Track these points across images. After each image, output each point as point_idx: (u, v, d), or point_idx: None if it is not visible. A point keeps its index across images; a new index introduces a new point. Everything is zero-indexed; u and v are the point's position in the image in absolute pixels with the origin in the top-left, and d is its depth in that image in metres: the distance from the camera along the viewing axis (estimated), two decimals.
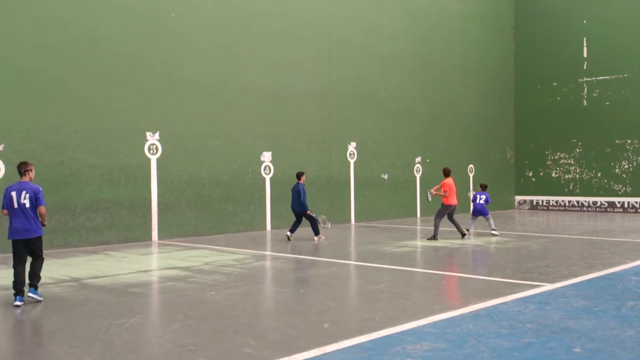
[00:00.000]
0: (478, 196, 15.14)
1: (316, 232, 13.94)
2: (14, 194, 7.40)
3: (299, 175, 14.03)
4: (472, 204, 15.47)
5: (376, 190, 20.18)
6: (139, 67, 14.15)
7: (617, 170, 23.90)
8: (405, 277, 9.29)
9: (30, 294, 7.35)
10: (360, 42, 19.60)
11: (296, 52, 17.64)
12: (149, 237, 14.24)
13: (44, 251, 7.80)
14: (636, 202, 23.34)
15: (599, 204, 24.31)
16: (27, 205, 7.39)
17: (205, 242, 13.94)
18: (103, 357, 5.13)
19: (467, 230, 14.99)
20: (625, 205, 23.60)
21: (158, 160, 14.45)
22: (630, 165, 23.55)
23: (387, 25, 20.65)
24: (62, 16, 12.96)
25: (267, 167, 16.86)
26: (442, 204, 14.29)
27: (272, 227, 16.85)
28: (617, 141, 23.85)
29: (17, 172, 7.67)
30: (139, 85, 14.15)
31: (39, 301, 7.36)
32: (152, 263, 10.97)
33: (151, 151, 14.34)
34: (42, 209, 7.49)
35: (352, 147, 19.32)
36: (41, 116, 12.62)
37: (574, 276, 8.95)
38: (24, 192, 7.40)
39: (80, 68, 13.20)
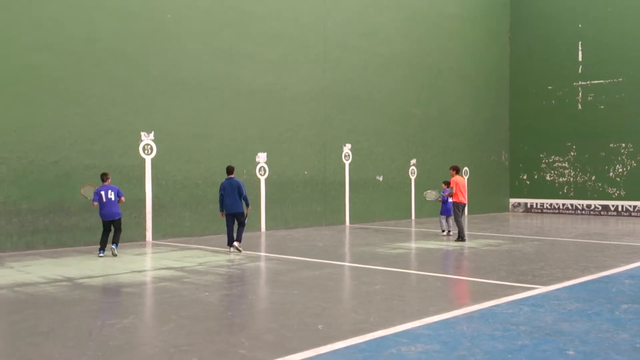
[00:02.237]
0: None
1: (240, 238, 12.19)
2: (102, 192, 11.53)
3: (231, 170, 12.25)
4: (442, 204, 15.63)
5: (371, 192, 20.20)
6: (134, 68, 14.12)
7: (611, 173, 24.01)
8: (400, 278, 9.30)
9: (113, 247, 11.65)
10: (356, 45, 19.63)
11: (292, 54, 17.65)
12: (143, 238, 14.20)
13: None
14: (630, 206, 23.45)
15: (593, 207, 24.40)
16: (113, 198, 11.59)
17: (200, 242, 13.91)
18: (96, 357, 5.11)
19: (449, 231, 15.46)
20: (619, 209, 23.70)
21: (153, 160, 14.42)
22: (624, 169, 23.65)
23: (383, 28, 20.68)
24: (58, 16, 12.92)
25: (262, 168, 16.85)
26: (452, 202, 14.41)
27: (267, 228, 16.84)
28: (611, 145, 23.96)
29: (101, 179, 11.78)
30: (134, 86, 14.12)
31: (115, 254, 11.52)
32: (146, 263, 10.94)
33: (146, 151, 14.30)
34: (123, 199, 11.82)
35: (347, 148, 19.33)
36: (36, 115, 12.58)
37: (568, 279, 8.98)
38: (109, 191, 11.60)
39: (75, 68, 13.16)
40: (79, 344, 5.51)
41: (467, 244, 13.89)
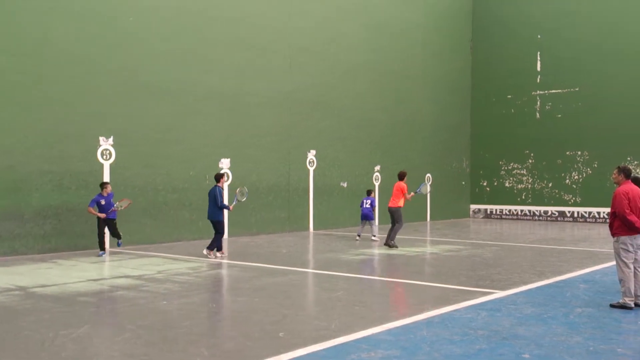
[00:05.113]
0: (364, 201, 15.95)
1: (220, 247, 12.32)
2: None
3: (215, 178, 12.52)
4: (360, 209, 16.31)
5: (335, 198, 20.23)
6: (93, 71, 13.83)
7: (567, 180, 24.62)
8: (362, 284, 9.32)
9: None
10: (320, 51, 19.68)
11: (256, 59, 17.57)
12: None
13: None
14: (585, 212, 24.07)
15: (550, 213, 24.97)
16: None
17: (160, 250, 13.68)
18: None
19: (358, 235, 16.08)
20: (575, 215, 24.31)
21: (111, 165, 14.13)
22: (580, 176, 24.29)
23: (348, 35, 20.80)
24: (14, 18, 12.56)
25: (226, 174, 16.68)
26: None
27: (230, 235, 16.68)
28: (567, 153, 24.58)
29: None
30: (92, 89, 13.82)
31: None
32: (102, 272, 10.69)
33: (104, 157, 14.01)
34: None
35: (311, 155, 19.33)
36: None
37: (525, 283, 9.14)
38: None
39: (32, 70, 12.81)
40: (30, 355, 5.34)
41: (429, 249, 14.03)
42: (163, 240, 15.05)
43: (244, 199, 12.80)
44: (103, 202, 12.56)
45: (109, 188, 12.82)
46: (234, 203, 12.67)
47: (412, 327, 6.34)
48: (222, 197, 12.29)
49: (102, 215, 12.48)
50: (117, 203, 12.73)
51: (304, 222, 19.16)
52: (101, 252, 12.64)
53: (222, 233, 12.43)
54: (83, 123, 13.61)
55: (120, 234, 13.00)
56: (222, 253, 12.49)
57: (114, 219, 12.83)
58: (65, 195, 13.25)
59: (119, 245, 13.09)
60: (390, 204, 14.26)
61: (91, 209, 12.49)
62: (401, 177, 14.50)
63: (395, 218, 14.06)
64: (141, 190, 14.68)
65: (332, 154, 20.08)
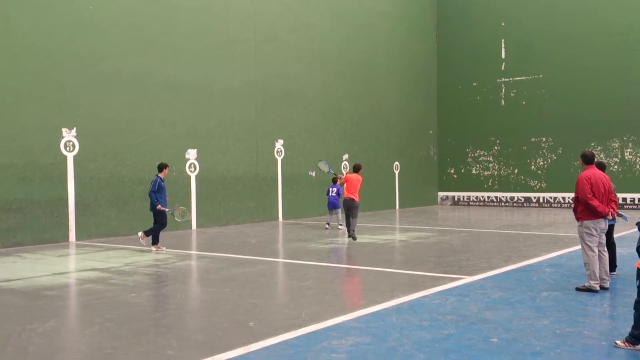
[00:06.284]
0: (330, 189, 16.11)
1: (155, 241, 11.82)
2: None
3: (160, 167, 11.89)
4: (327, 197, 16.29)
5: (304, 188, 20.22)
6: (54, 60, 13.48)
7: (532, 167, 25.08)
8: (332, 273, 9.35)
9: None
10: (287, 40, 19.55)
11: (221, 48, 17.37)
12: (66, 238, 13.61)
13: None
14: (551, 197, 24.58)
15: (516, 199, 25.43)
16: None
17: (127, 242, 13.49)
18: None
19: (327, 224, 16.01)
20: (541, 200, 24.81)
21: (75, 157, 13.83)
22: (545, 162, 24.77)
23: (314, 24, 20.71)
24: None
25: (192, 165, 16.52)
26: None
27: (198, 226, 16.54)
28: (532, 139, 25.02)
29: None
30: (54, 80, 13.48)
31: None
32: (69, 265, 10.49)
33: (67, 148, 13.71)
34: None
35: (279, 144, 19.26)
36: None
37: (492, 269, 9.29)
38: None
39: None
40: None
41: (398, 237, 14.14)
42: (130, 232, 14.83)
43: (180, 220, 12.10)
44: None
45: None
46: (168, 209, 11.79)
47: (381, 314, 6.38)
48: (155, 186, 11.54)
49: None
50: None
51: (272, 212, 19.11)
52: None
53: (162, 224, 11.72)
54: (44, 114, 13.28)
55: None
56: (158, 247, 11.80)
57: None
58: (29, 188, 12.93)
59: None
60: (356, 198, 13.33)
61: None
62: (357, 169, 13.79)
63: (356, 212, 13.27)
64: (107, 183, 14.42)
65: (299, 143, 20.04)
